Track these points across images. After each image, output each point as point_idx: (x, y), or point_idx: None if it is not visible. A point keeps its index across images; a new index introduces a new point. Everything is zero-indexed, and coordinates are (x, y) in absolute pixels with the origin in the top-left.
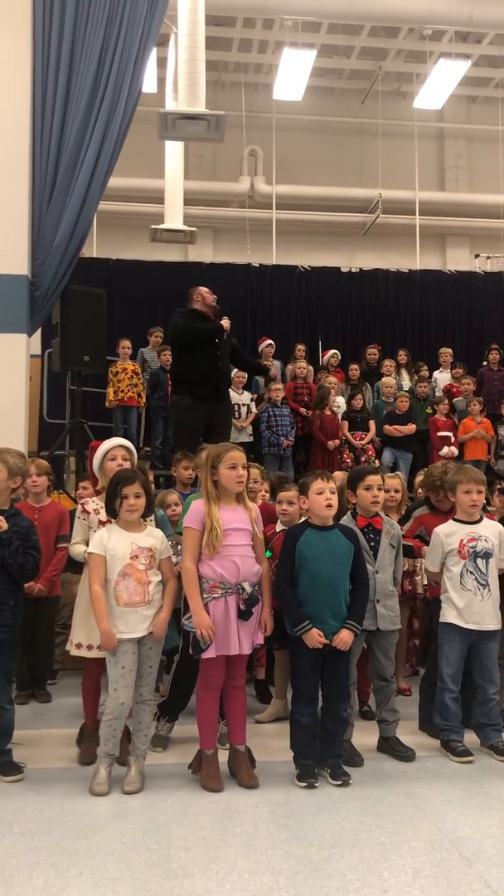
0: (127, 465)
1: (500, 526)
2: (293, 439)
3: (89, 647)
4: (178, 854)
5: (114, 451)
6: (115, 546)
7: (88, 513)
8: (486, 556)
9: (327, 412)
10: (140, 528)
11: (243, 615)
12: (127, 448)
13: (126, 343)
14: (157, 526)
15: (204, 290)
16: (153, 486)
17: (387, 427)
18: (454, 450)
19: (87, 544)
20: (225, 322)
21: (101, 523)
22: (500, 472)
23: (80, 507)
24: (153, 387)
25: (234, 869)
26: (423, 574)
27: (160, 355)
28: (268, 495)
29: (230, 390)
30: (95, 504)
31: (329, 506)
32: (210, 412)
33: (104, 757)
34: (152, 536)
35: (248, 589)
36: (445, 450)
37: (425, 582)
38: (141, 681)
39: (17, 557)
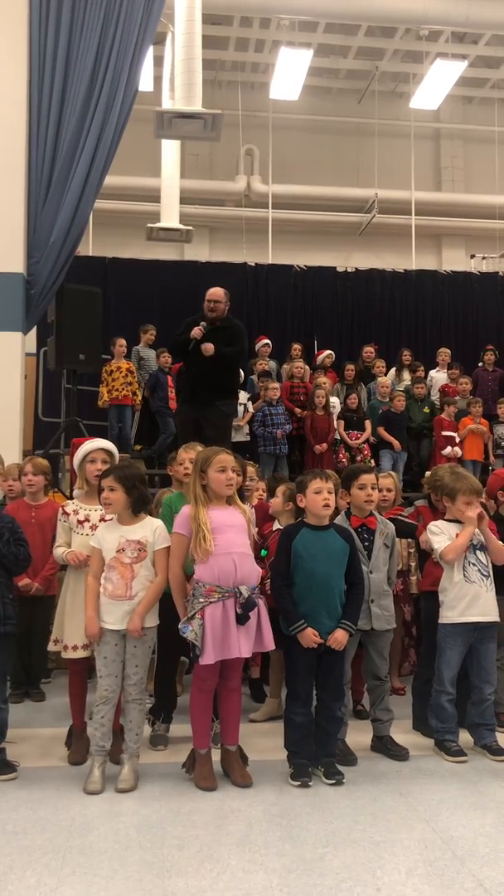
0: (107, 468)
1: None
2: (287, 431)
3: (75, 648)
4: (171, 853)
5: (94, 453)
6: (106, 539)
7: (68, 514)
8: (483, 548)
9: (319, 412)
10: (134, 521)
11: (241, 619)
12: (107, 451)
13: (121, 341)
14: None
15: (208, 295)
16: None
17: (380, 429)
18: (458, 450)
19: (69, 546)
20: (195, 331)
21: (80, 523)
22: None
23: (61, 509)
24: (153, 388)
25: (227, 868)
26: (417, 574)
27: (159, 356)
28: (265, 495)
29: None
30: (75, 505)
31: (327, 505)
32: (197, 415)
33: (97, 753)
34: (145, 528)
35: (245, 593)
36: (448, 449)
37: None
38: (128, 680)
39: (10, 548)
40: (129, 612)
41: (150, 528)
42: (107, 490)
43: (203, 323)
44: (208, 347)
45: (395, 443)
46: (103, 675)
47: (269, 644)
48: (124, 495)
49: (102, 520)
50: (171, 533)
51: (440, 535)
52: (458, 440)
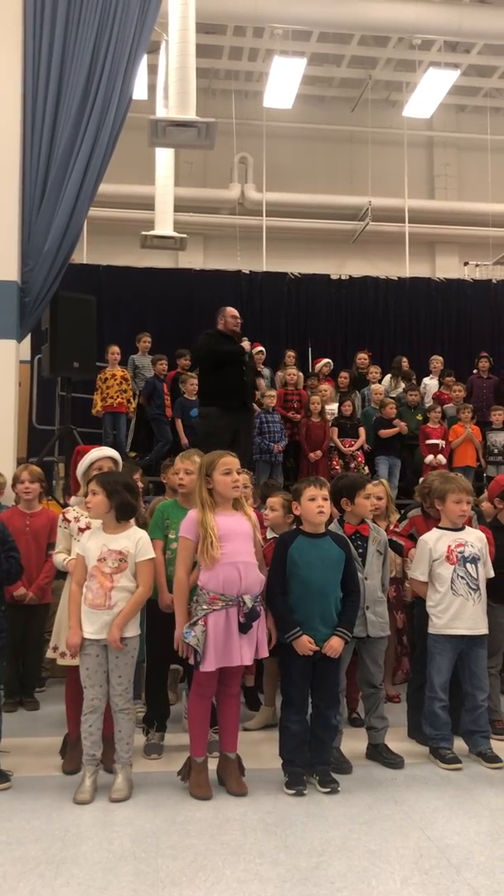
0: None
1: (481, 533)
2: (284, 446)
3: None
4: (165, 863)
5: (101, 461)
6: (89, 548)
7: (69, 521)
8: (475, 560)
9: (314, 419)
10: (119, 530)
11: (243, 629)
12: (114, 459)
13: (115, 349)
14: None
15: (230, 312)
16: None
17: (381, 431)
18: (441, 458)
19: (69, 552)
20: (245, 344)
21: (81, 530)
22: None
23: (62, 515)
24: (149, 396)
25: (222, 878)
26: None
27: (155, 364)
28: (255, 502)
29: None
30: (76, 512)
31: (321, 513)
32: (237, 423)
33: (88, 763)
34: (128, 538)
35: (249, 603)
36: (430, 458)
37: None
38: (113, 690)
39: (2, 566)
40: (108, 622)
41: (132, 539)
42: (90, 493)
43: (245, 337)
44: (247, 345)
45: (402, 425)
46: (87, 685)
47: (263, 651)
48: (105, 499)
49: None
50: (154, 539)
51: (417, 566)
52: (441, 446)
